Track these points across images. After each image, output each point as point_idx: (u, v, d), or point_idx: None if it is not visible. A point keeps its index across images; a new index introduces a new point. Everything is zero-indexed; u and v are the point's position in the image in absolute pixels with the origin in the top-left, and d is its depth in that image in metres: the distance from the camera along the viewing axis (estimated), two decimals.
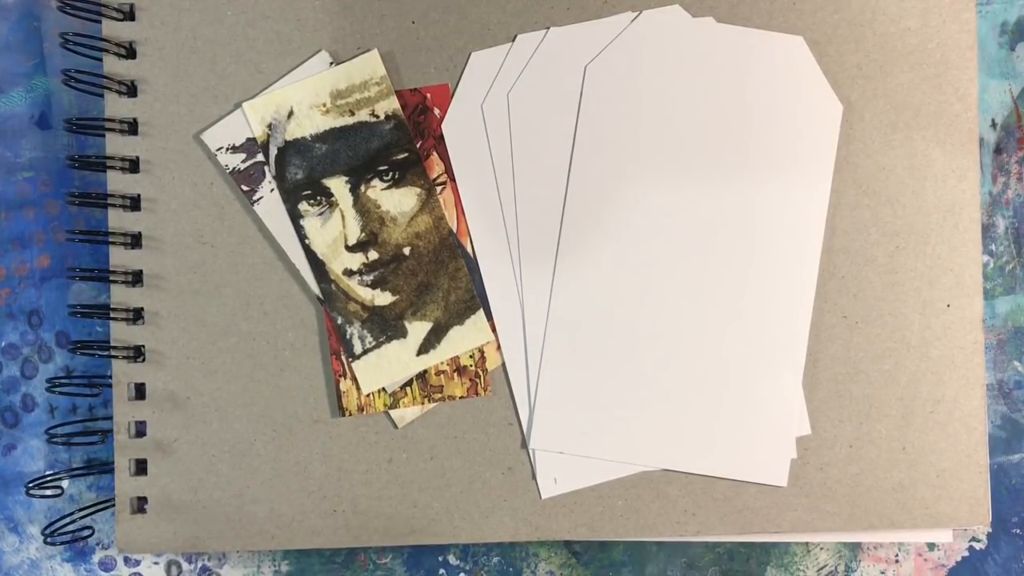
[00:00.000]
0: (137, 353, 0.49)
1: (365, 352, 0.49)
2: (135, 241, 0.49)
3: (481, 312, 0.49)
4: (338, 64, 0.49)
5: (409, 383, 0.49)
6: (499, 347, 0.49)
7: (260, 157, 0.49)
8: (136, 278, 0.49)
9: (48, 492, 0.48)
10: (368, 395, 0.49)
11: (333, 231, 0.49)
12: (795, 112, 0.48)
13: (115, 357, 0.48)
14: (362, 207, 0.49)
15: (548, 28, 0.49)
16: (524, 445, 0.49)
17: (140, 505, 0.49)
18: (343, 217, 0.49)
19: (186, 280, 0.49)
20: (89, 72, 0.47)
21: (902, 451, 0.48)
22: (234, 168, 0.49)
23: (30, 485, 0.48)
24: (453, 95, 0.49)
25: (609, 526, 0.48)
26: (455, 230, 0.49)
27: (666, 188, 0.48)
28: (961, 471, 0.48)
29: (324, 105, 0.48)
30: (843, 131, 0.49)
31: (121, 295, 0.49)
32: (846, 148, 0.49)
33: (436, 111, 0.49)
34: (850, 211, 0.49)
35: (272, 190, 0.49)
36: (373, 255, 0.49)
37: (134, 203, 0.49)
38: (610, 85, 0.48)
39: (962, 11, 0.48)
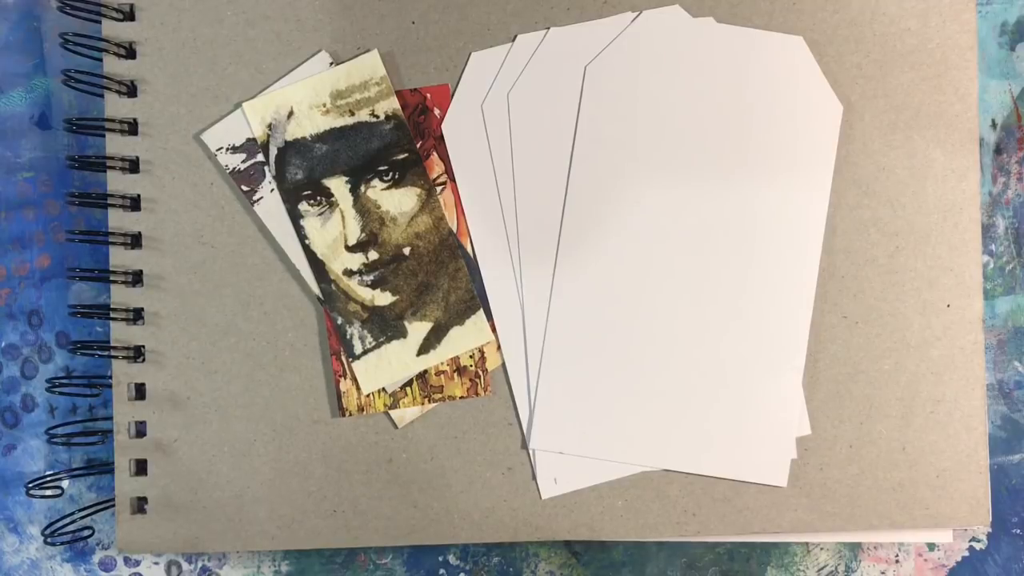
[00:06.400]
0: (137, 353, 0.49)
1: (365, 352, 0.49)
2: (135, 241, 0.49)
3: (481, 312, 0.49)
4: (338, 64, 0.49)
5: (409, 383, 0.49)
6: (499, 347, 0.49)
7: (260, 157, 0.49)
8: (136, 278, 0.49)
9: (48, 492, 0.48)
10: (368, 395, 0.49)
11: (333, 231, 0.49)
12: (795, 112, 0.48)
13: (115, 357, 0.48)
14: (362, 207, 0.49)
15: (548, 28, 0.49)
16: (524, 445, 0.49)
17: (140, 505, 0.49)
18: (343, 217, 0.48)
19: (186, 280, 0.49)
20: (89, 72, 0.47)
21: (902, 451, 0.48)
22: (234, 168, 0.49)
23: (30, 485, 0.48)
24: (453, 95, 0.49)
25: (609, 526, 0.48)
26: (455, 230, 0.49)
27: (666, 188, 0.48)
28: (961, 471, 0.48)
29: (324, 105, 0.48)
30: (843, 131, 0.49)
31: (121, 295, 0.49)
32: (846, 148, 0.49)
33: (436, 111, 0.49)
34: (850, 211, 0.49)
35: (272, 190, 0.49)
36: (373, 255, 0.49)
37: (134, 203, 0.49)
38: (610, 85, 0.48)
39: (962, 11, 0.48)
